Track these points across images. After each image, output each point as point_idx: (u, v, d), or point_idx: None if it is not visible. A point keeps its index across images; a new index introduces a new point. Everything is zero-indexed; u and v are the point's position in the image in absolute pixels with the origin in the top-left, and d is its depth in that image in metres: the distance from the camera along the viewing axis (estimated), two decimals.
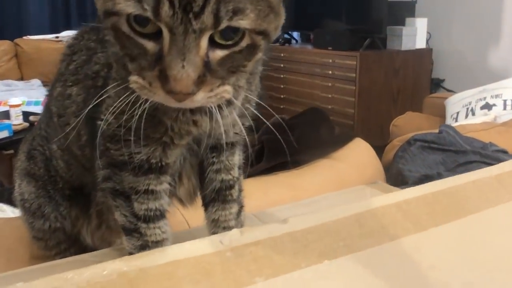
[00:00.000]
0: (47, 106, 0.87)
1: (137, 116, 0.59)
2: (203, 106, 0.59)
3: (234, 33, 0.52)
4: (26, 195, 0.89)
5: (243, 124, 0.71)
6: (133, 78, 0.55)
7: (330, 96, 3.80)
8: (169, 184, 0.72)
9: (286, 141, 1.25)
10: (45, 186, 0.88)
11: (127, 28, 0.52)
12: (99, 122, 0.66)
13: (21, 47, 4.50)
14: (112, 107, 0.60)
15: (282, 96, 4.17)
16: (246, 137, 0.72)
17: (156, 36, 0.52)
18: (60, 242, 0.90)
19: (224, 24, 0.50)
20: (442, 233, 0.49)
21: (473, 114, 2.38)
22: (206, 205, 0.78)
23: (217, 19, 0.50)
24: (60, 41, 4.58)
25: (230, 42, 0.53)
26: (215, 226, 0.77)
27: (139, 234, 0.69)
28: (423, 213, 0.50)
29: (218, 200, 0.77)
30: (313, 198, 0.95)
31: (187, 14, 0.49)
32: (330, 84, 3.82)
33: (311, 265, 0.41)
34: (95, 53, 0.73)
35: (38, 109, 2.89)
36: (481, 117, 2.14)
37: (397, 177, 1.38)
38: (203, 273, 0.39)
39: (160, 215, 0.70)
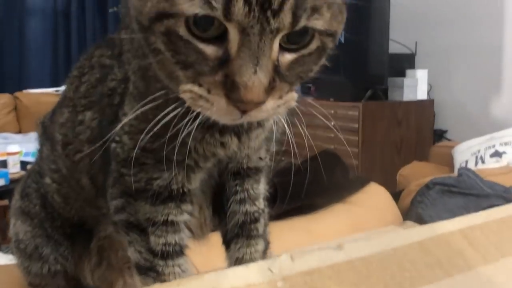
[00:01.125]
0: (46, 136, 0.80)
1: (163, 137, 0.53)
2: (249, 122, 0.52)
3: (303, 35, 0.48)
4: (21, 235, 0.81)
5: (268, 150, 0.65)
6: (187, 86, 0.48)
7: (333, 147, 3.76)
8: (191, 214, 0.64)
9: (300, 185, 1.19)
10: (42, 224, 0.80)
11: (185, 32, 0.46)
12: (113, 145, 0.59)
13: (20, 100, 4.51)
14: (128, 126, 0.53)
15: (282, 149, 4.14)
16: (270, 162, 0.65)
17: (219, 39, 0.46)
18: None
19: (302, 24, 0.46)
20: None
21: (483, 162, 2.33)
22: (227, 242, 0.70)
23: (295, 18, 0.45)
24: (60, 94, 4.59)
25: (297, 46, 0.48)
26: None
27: (156, 273, 0.61)
28: (490, 242, 0.44)
29: (242, 236, 0.69)
30: (338, 241, 0.88)
31: (265, 12, 0.43)
32: (332, 135, 3.78)
33: None
34: (112, 69, 0.67)
35: (30, 159, 2.84)
36: (493, 164, 2.10)
37: (416, 223, 1.31)
38: None
39: (180, 250, 0.63)
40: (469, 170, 1.40)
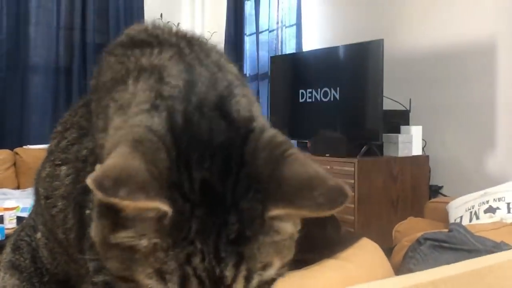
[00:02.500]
0: (36, 189, 0.82)
1: None
2: None
3: None
4: None
5: None
6: None
7: None
8: None
9: None
10: (30, 279, 0.82)
11: None
12: (87, 212, 0.62)
13: (20, 156, 4.53)
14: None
15: None
16: None
17: None
18: None
19: (254, 285, 0.50)
20: None
21: (477, 218, 2.34)
22: None
23: (247, 282, 0.49)
24: None
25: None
26: None
27: None
28: None
29: None
30: None
31: None
32: None
33: None
34: (85, 135, 0.70)
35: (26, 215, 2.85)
36: (486, 220, 2.11)
37: None
38: None
39: None
40: (460, 225, 1.42)
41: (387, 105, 3.88)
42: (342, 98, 4.05)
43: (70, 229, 0.71)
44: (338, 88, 4.06)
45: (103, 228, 0.50)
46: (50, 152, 0.78)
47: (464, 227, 1.40)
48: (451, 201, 2.63)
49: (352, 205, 3.61)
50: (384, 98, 3.74)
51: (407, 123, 4.00)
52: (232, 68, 0.66)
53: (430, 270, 0.47)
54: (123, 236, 0.49)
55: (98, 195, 0.45)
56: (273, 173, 0.50)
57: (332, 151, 3.84)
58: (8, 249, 0.88)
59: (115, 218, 0.49)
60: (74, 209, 0.66)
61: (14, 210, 2.65)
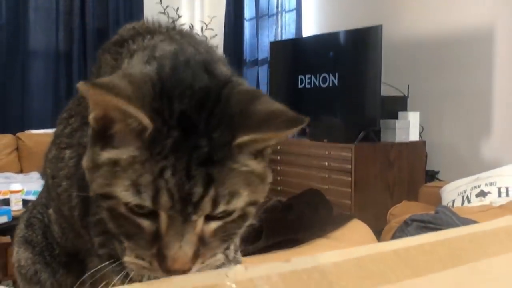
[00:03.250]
0: (44, 169, 0.88)
1: None
2: None
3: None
4: (22, 262, 0.88)
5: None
6: (130, 259, 0.57)
7: (326, 187, 3.84)
8: None
9: (285, 220, 1.26)
10: (42, 253, 0.88)
11: (124, 211, 0.55)
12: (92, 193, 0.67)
13: (22, 140, 4.59)
14: None
15: (279, 188, 4.21)
16: None
17: (153, 215, 0.54)
18: None
19: (221, 209, 0.54)
20: (439, 279, 0.50)
21: (469, 201, 2.40)
22: None
23: (214, 205, 0.53)
24: None
25: (222, 215, 0.56)
26: None
27: None
28: (421, 260, 0.51)
29: None
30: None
31: (186, 205, 0.52)
32: (326, 175, 3.87)
33: None
34: (86, 124, 0.75)
35: (31, 197, 2.91)
36: (477, 204, 2.17)
37: None
38: None
39: None
40: (446, 207, 1.47)
41: (385, 91, 3.92)
42: (340, 84, 4.09)
43: (74, 207, 0.77)
44: (336, 74, 4.10)
45: (93, 153, 0.57)
46: (56, 136, 0.83)
47: (450, 209, 1.45)
48: (444, 185, 2.69)
49: (349, 190, 3.67)
50: (382, 84, 3.78)
51: (405, 109, 4.04)
52: (222, 57, 0.72)
53: (394, 241, 0.52)
54: (110, 153, 0.55)
55: (84, 90, 0.52)
56: (244, 109, 0.55)
57: (330, 136, 3.88)
58: (21, 226, 0.93)
59: (105, 139, 0.56)
60: (79, 189, 0.72)
61: (20, 193, 2.72)
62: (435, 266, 0.51)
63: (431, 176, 4.01)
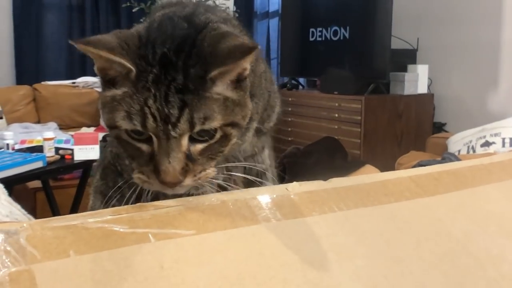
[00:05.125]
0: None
1: None
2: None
3: (207, 131, 0.67)
4: (96, 209, 1.00)
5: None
6: (136, 175, 0.70)
7: (336, 138, 3.95)
8: None
9: (305, 164, 1.39)
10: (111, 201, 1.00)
11: (126, 137, 0.68)
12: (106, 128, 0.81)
13: (39, 91, 4.69)
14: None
15: (289, 139, 4.33)
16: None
17: (149, 140, 0.67)
18: None
19: (197, 128, 0.66)
20: (446, 198, 0.64)
21: (474, 151, 2.51)
22: None
23: (191, 125, 0.65)
24: (77, 86, 4.79)
25: (206, 137, 0.68)
26: None
27: None
28: (431, 184, 0.65)
29: None
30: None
31: (167, 124, 0.64)
32: (336, 127, 3.98)
33: (351, 209, 0.56)
34: None
35: (62, 145, 3.03)
36: (481, 153, 2.28)
37: None
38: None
39: None
40: (452, 154, 1.59)
41: (395, 44, 3.97)
42: (351, 37, 4.14)
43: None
44: (347, 27, 4.15)
45: (102, 96, 0.71)
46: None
47: (455, 156, 1.57)
48: (451, 136, 2.79)
49: (358, 140, 3.78)
50: (392, 37, 3.83)
51: (414, 62, 4.09)
52: (228, 17, 0.87)
53: (409, 169, 0.65)
54: (110, 92, 0.68)
55: (78, 47, 0.65)
56: (213, 49, 0.67)
57: (340, 88, 3.96)
58: (97, 176, 1.04)
59: (108, 84, 0.69)
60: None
61: (52, 140, 2.85)
62: (442, 189, 0.64)
63: (438, 128, 4.11)
